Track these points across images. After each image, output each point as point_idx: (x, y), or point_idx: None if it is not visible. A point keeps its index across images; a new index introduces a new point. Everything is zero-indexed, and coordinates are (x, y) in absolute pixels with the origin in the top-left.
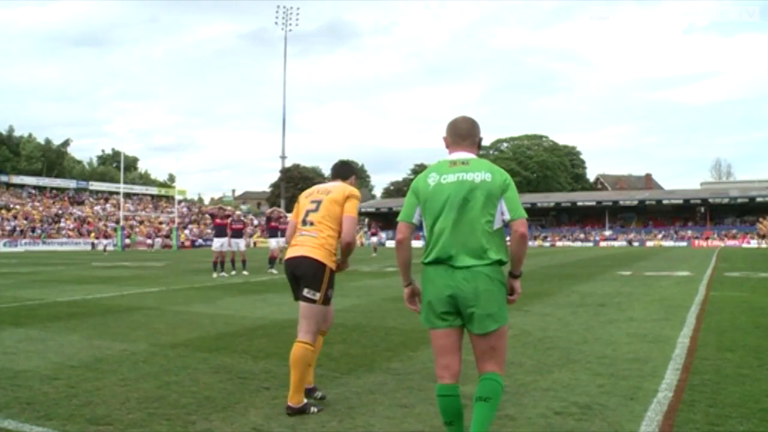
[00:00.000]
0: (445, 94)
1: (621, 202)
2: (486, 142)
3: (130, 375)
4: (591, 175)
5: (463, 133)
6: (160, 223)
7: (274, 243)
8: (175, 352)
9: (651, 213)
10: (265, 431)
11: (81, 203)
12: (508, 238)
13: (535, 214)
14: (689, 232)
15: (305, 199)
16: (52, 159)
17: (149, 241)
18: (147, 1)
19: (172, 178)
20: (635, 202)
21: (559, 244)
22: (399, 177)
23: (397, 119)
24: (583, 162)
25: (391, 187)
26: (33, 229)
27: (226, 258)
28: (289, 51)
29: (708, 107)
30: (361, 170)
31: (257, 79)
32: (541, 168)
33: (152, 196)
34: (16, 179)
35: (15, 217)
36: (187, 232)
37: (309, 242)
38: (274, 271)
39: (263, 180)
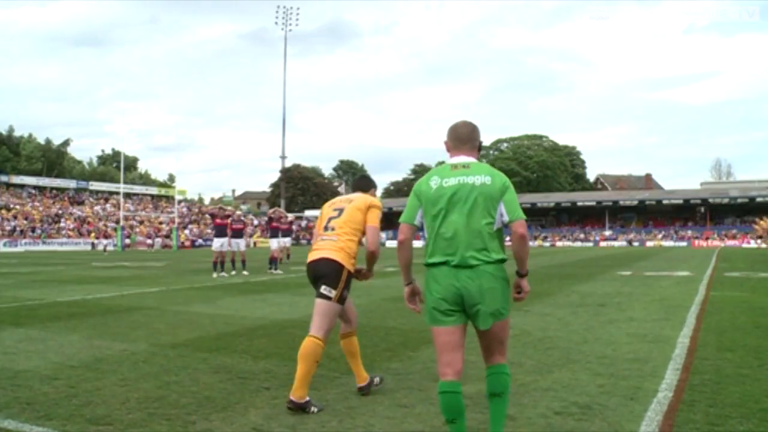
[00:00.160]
0: (445, 94)
1: (621, 202)
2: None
3: (130, 375)
4: (591, 175)
5: (463, 138)
6: (160, 223)
7: (275, 243)
8: (175, 352)
9: (651, 213)
10: (265, 431)
11: (81, 203)
12: (507, 238)
13: (535, 214)
14: (689, 232)
15: (328, 208)
16: (52, 159)
17: (149, 241)
18: (147, 1)
19: (172, 178)
20: (635, 202)
21: (559, 244)
22: (399, 177)
23: (397, 119)
24: (583, 162)
25: (391, 187)
26: (33, 229)
27: (226, 258)
28: (289, 51)
29: (708, 107)
30: (361, 170)
31: (257, 79)
32: (541, 168)
33: (152, 196)
34: (16, 179)
35: (15, 217)
36: (187, 232)
37: (329, 245)
38: (275, 271)
39: (263, 180)
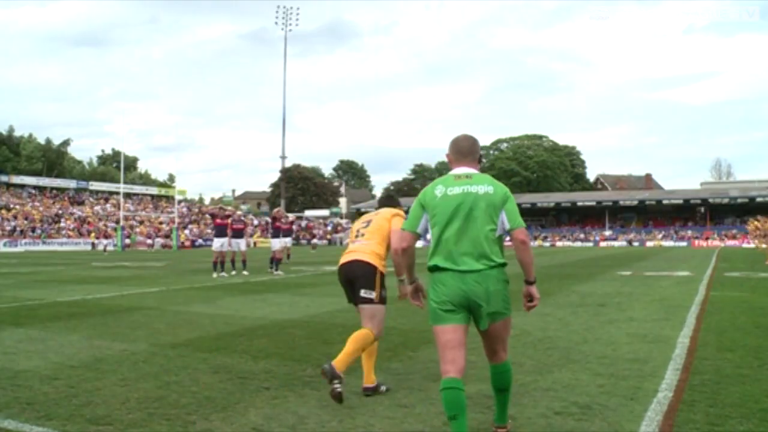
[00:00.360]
0: (445, 94)
1: (621, 202)
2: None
3: (130, 375)
4: (591, 175)
5: (465, 151)
6: (160, 223)
7: (277, 244)
8: (175, 352)
9: (651, 213)
10: (265, 431)
11: (81, 203)
12: (507, 238)
13: (535, 214)
14: (689, 232)
15: (357, 223)
16: (53, 159)
17: (149, 241)
18: (147, 1)
19: (172, 178)
20: (635, 202)
21: (559, 244)
22: (399, 177)
23: (397, 119)
24: (583, 162)
25: (391, 187)
26: (33, 229)
27: (226, 258)
28: (289, 51)
29: (708, 107)
30: (361, 170)
31: (257, 79)
32: (541, 168)
33: (152, 196)
34: (17, 179)
35: (15, 217)
36: (187, 232)
37: (360, 248)
38: (275, 272)
39: (263, 180)
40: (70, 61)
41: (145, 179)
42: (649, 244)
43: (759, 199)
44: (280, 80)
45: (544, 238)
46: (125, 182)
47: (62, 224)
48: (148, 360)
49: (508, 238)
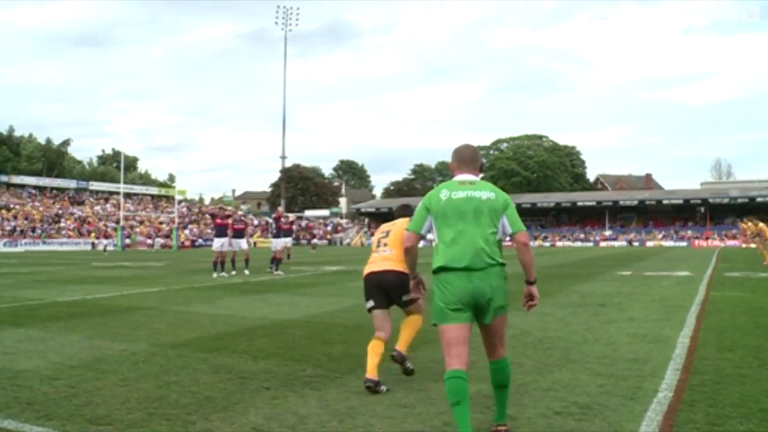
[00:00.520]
0: (445, 94)
1: (621, 202)
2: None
3: (130, 375)
4: (591, 175)
5: (466, 159)
6: (160, 223)
7: (279, 244)
8: (175, 352)
9: (651, 213)
10: (265, 431)
11: (81, 203)
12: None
13: (535, 214)
14: (689, 232)
15: (378, 234)
16: (53, 159)
17: (149, 241)
18: (147, 1)
19: (172, 178)
20: (635, 202)
21: (559, 244)
22: (399, 177)
23: (397, 119)
24: (583, 162)
25: (391, 187)
26: (33, 229)
27: (226, 258)
28: (289, 51)
29: (708, 107)
30: (361, 170)
31: (257, 79)
32: (541, 168)
33: (152, 196)
34: (17, 179)
35: (15, 217)
36: (187, 232)
37: (389, 257)
38: (276, 272)
39: (263, 180)
40: (70, 61)
41: (145, 179)
42: (649, 244)
43: (759, 199)
44: (280, 80)
45: (544, 238)
46: (125, 182)
47: (62, 224)
48: (148, 360)
49: (507, 239)
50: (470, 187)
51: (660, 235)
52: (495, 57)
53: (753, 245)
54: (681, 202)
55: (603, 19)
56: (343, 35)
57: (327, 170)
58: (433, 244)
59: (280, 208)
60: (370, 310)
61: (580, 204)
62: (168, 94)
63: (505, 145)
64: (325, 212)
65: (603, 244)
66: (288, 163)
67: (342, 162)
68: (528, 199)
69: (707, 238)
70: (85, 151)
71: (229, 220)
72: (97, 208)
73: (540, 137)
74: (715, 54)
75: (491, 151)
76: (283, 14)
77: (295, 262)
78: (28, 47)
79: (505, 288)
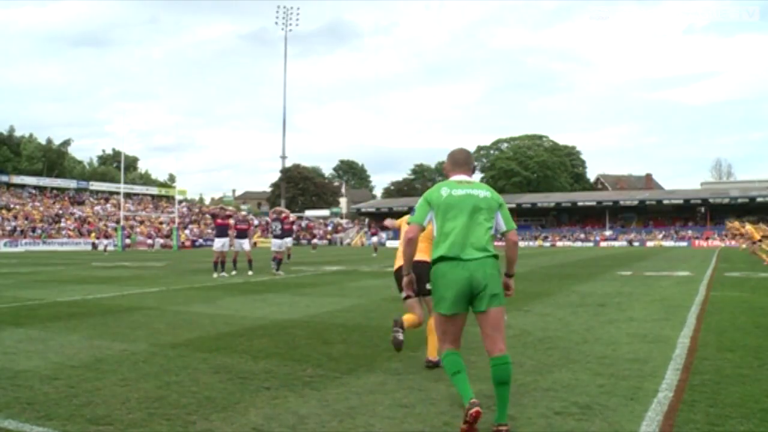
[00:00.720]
0: (445, 94)
1: (621, 202)
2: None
3: (130, 375)
4: (591, 175)
5: (461, 162)
6: (161, 223)
7: (285, 245)
8: (175, 352)
9: (651, 213)
10: (265, 431)
11: (81, 203)
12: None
13: (535, 214)
14: (689, 232)
15: (404, 225)
16: (53, 159)
17: (149, 241)
18: (147, 1)
19: (172, 178)
20: (635, 202)
21: (559, 244)
22: (399, 177)
23: (397, 119)
24: (583, 162)
25: (392, 187)
26: (33, 229)
27: (226, 258)
28: (289, 51)
29: (708, 107)
30: (361, 170)
31: (257, 79)
32: (541, 168)
33: (152, 196)
34: (17, 179)
35: (15, 217)
36: (187, 232)
37: (422, 249)
38: (277, 272)
39: (263, 180)
40: (71, 61)
41: (146, 179)
42: (650, 244)
43: (759, 199)
44: (280, 80)
45: (545, 238)
46: (125, 182)
47: (62, 224)
48: (148, 360)
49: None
50: (468, 186)
51: (660, 235)
52: (495, 57)
53: (744, 246)
54: (681, 202)
55: (603, 19)
56: (343, 35)
57: (327, 170)
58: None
59: (276, 208)
60: (405, 299)
61: (580, 204)
62: (168, 94)
63: (505, 145)
64: (325, 212)
65: (603, 244)
66: (288, 163)
67: (342, 162)
68: (528, 199)
69: (707, 238)
70: (85, 151)
71: (230, 221)
72: (98, 208)
73: (540, 137)
74: (715, 54)
75: (491, 151)
76: (283, 14)
77: (295, 262)
78: (29, 47)
79: (498, 277)
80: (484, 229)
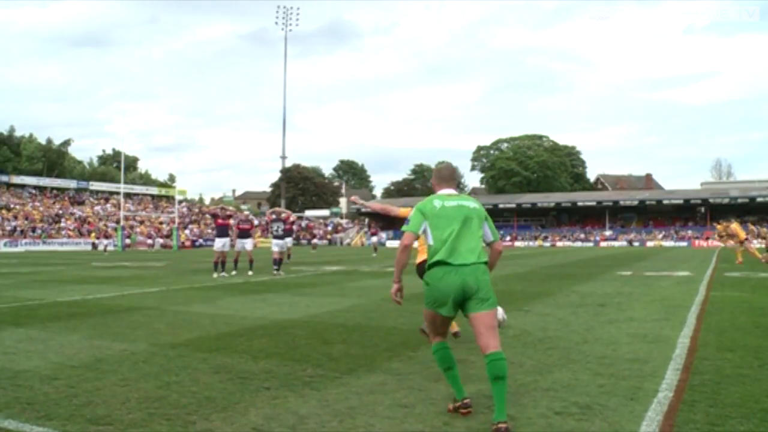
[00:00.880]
0: (445, 94)
1: (621, 202)
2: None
3: (130, 375)
4: (591, 175)
5: (447, 177)
6: (161, 223)
7: (286, 245)
8: (175, 352)
9: (651, 213)
10: (265, 431)
11: (81, 203)
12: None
13: (535, 214)
14: (689, 232)
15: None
16: (53, 159)
17: (149, 241)
18: (147, 1)
19: (172, 178)
20: (635, 202)
21: (559, 244)
22: (399, 177)
23: (397, 119)
24: (583, 162)
25: (392, 187)
26: (33, 229)
27: (227, 258)
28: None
29: (708, 107)
30: (361, 170)
31: (257, 79)
32: (542, 168)
33: (152, 196)
34: (17, 179)
35: (15, 217)
36: (187, 232)
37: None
38: (279, 272)
39: (263, 180)
40: (71, 62)
41: (146, 179)
42: (650, 244)
43: (759, 199)
44: (280, 80)
45: (545, 238)
46: (125, 182)
47: (62, 224)
48: (148, 360)
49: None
50: (458, 198)
51: (660, 235)
52: (495, 57)
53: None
54: (681, 202)
55: (603, 19)
56: (343, 35)
57: (327, 170)
58: (427, 244)
59: (275, 208)
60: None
61: (580, 204)
62: (168, 94)
63: (505, 145)
64: (325, 212)
65: (603, 244)
66: (288, 163)
67: (342, 162)
68: (528, 199)
69: (707, 238)
70: (85, 151)
71: (231, 221)
72: (98, 208)
73: (540, 137)
74: (715, 54)
75: (491, 151)
76: (283, 14)
77: (295, 262)
78: (29, 47)
79: (489, 282)
80: (476, 237)
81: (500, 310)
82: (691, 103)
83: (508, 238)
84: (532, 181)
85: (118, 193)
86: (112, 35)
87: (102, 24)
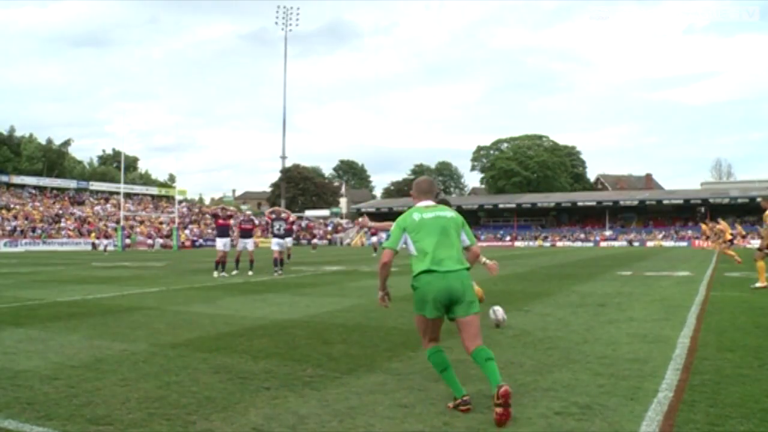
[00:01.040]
0: (445, 94)
1: (621, 202)
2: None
3: (130, 375)
4: (591, 175)
5: (425, 189)
6: (161, 223)
7: (285, 245)
8: (175, 352)
9: (651, 213)
10: (265, 431)
11: (81, 203)
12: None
13: (535, 214)
14: (689, 232)
15: None
16: (53, 159)
17: (149, 241)
18: (147, 1)
19: (172, 178)
20: (635, 202)
21: (559, 244)
22: (399, 177)
23: (397, 119)
24: (583, 162)
25: (392, 187)
26: (33, 229)
27: (227, 258)
28: (289, 51)
29: (708, 107)
30: (361, 170)
31: (257, 79)
32: (542, 168)
33: (152, 196)
34: (17, 179)
35: (15, 217)
36: (187, 232)
37: None
38: (279, 272)
39: (263, 180)
40: (71, 62)
41: (146, 179)
42: (650, 244)
43: (759, 200)
44: (280, 80)
45: (545, 238)
46: (125, 182)
47: (62, 224)
48: (148, 360)
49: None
50: (434, 209)
51: (660, 235)
52: (495, 57)
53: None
54: (681, 202)
55: (603, 19)
56: (343, 35)
57: (327, 170)
58: (411, 255)
59: (275, 208)
60: None
61: (580, 204)
62: (168, 94)
63: (505, 145)
64: (325, 212)
65: (603, 244)
66: (288, 163)
67: (342, 162)
68: (528, 199)
69: (707, 238)
70: (85, 151)
71: (232, 221)
72: (98, 208)
73: (540, 137)
74: (715, 54)
75: (491, 151)
76: (283, 14)
77: (295, 262)
78: (29, 47)
79: (472, 287)
80: (455, 245)
81: (500, 310)
82: (691, 103)
83: (508, 238)
84: (532, 181)
85: (118, 193)
86: (112, 35)
87: (102, 24)
